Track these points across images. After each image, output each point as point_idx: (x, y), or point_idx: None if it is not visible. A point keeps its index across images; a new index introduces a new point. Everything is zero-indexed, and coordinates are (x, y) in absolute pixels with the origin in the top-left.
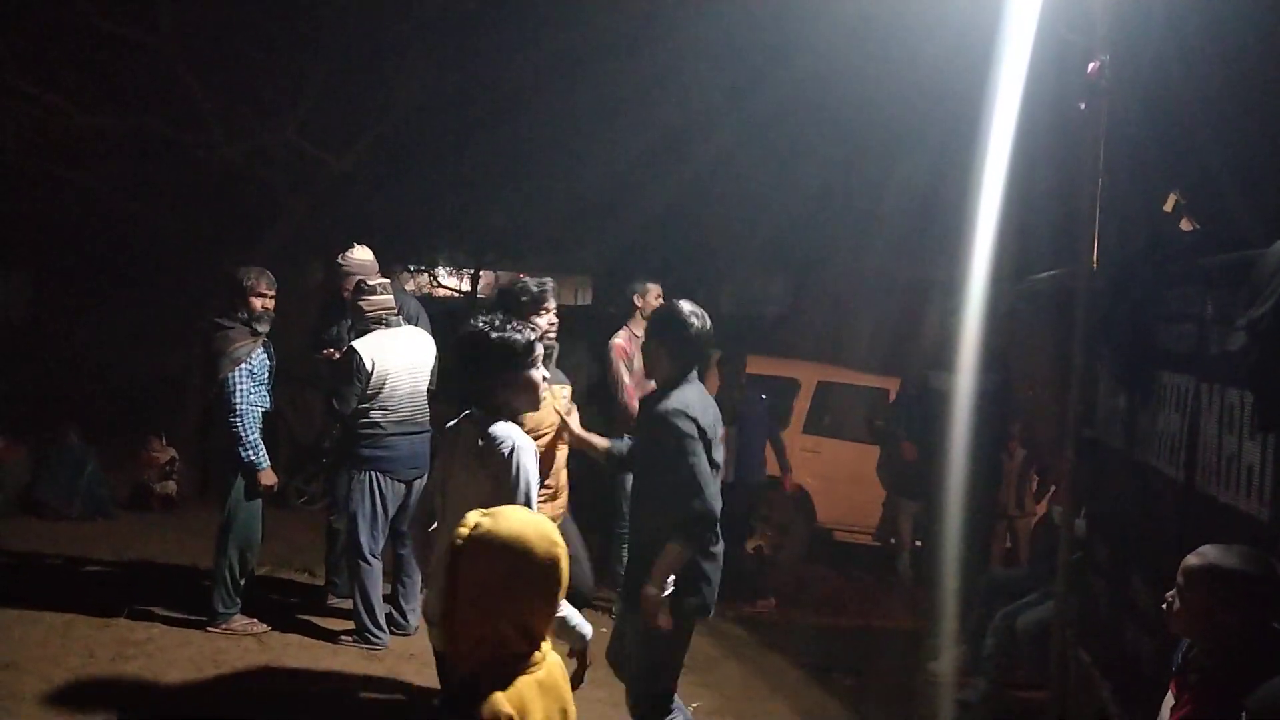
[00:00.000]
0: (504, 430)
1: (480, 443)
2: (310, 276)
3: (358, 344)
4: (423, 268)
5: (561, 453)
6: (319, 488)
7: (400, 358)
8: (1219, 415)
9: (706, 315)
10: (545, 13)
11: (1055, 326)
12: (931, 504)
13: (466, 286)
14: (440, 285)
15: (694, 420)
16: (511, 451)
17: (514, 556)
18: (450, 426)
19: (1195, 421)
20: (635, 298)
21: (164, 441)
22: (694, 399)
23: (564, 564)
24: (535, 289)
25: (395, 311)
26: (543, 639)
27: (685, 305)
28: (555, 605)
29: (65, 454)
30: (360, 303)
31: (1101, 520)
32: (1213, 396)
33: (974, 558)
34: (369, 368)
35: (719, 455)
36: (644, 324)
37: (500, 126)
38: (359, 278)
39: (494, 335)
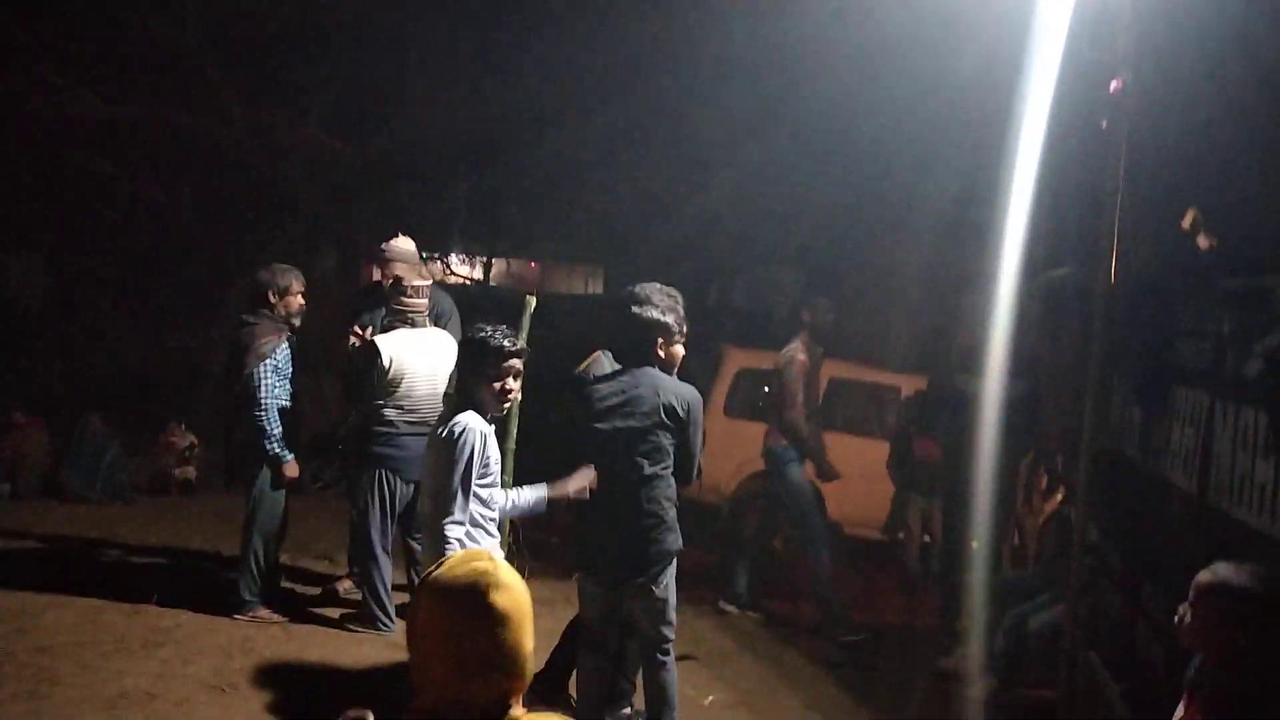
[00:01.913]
0: (462, 417)
1: (439, 431)
2: (325, 264)
3: (380, 340)
4: (436, 256)
5: None
6: (334, 473)
7: (421, 359)
8: (1234, 433)
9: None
10: (564, 20)
11: (1063, 325)
12: (948, 503)
13: (479, 275)
14: (453, 273)
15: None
16: (462, 433)
17: (451, 606)
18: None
19: (1209, 437)
20: (804, 312)
21: (183, 427)
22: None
23: (515, 619)
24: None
25: (424, 314)
26: (511, 700)
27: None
28: (516, 664)
29: (87, 438)
30: (394, 300)
31: (1114, 526)
32: (1228, 414)
33: (989, 559)
34: (387, 365)
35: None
36: (811, 339)
37: (514, 117)
38: (400, 275)
39: (476, 336)
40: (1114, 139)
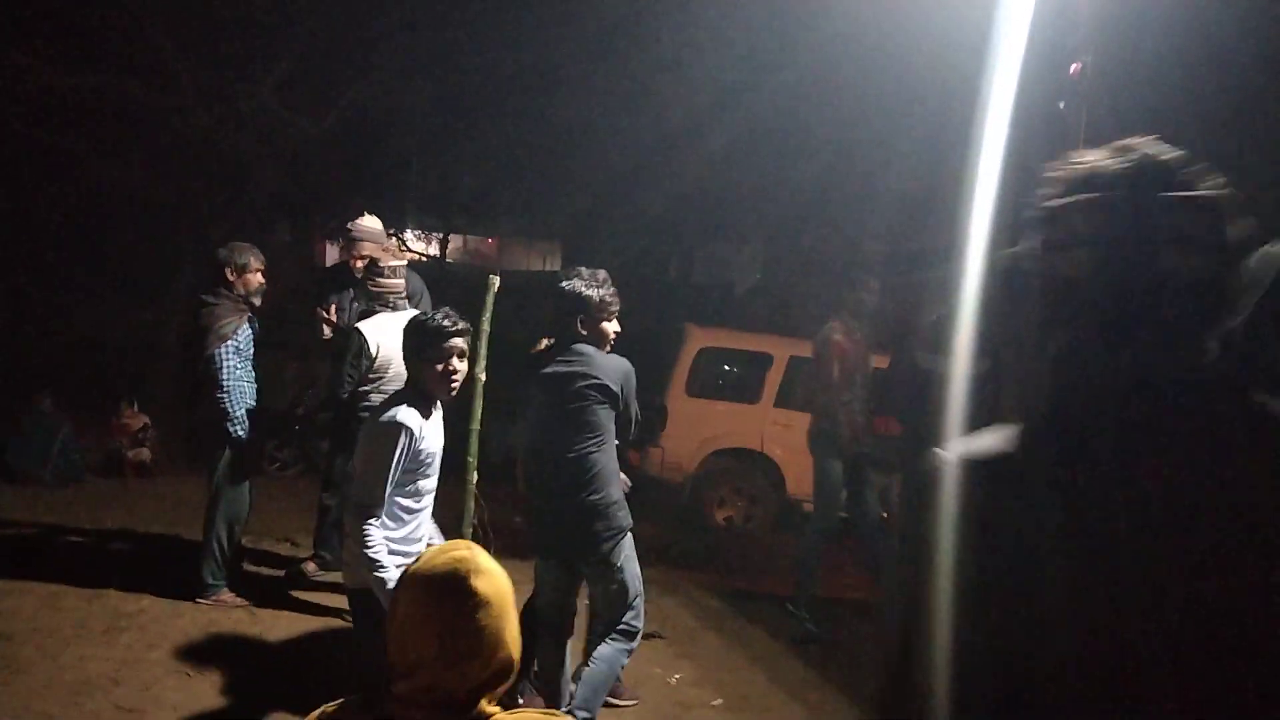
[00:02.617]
0: (397, 410)
1: (374, 417)
2: (279, 238)
3: (362, 326)
4: (392, 232)
5: None
6: (291, 454)
7: (397, 337)
8: None
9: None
10: None
11: (1018, 303)
12: (907, 481)
13: (435, 251)
14: (408, 250)
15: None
16: (390, 428)
17: (432, 594)
18: None
19: None
20: (845, 291)
21: (136, 408)
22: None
23: (496, 605)
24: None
25: (403, 295)
26: (491, 690)
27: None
28: (495, 650)
29: (38, 420)
30: (369, 283)
31: None
32: None
33: None
34: (373, 351)
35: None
36: (851, 320)
37: (471, 91)
38: (371, 255)
39: (415, 320)
40: (1073, 121)
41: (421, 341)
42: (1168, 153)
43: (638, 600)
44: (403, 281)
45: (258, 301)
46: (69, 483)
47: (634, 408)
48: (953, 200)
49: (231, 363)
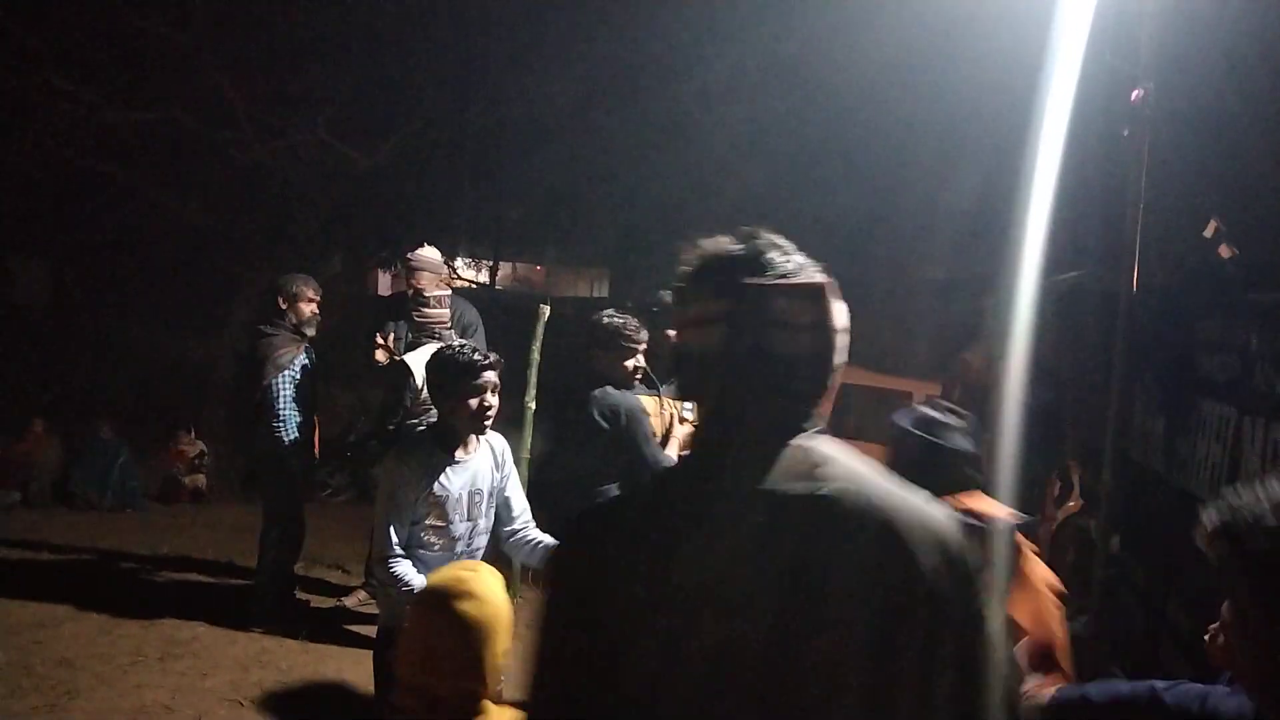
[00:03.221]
0: (397, 449)
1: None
2: (331, 268)
3: (409, 358)
4: (443, 260)
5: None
6: (343, 480)
7: None
8: (1262, 449)
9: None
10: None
11: (1078, 330)
12: None
13: (485, 278)
14: (459, 277)
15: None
16: (384, 463)
17: (424, 610)
18: None
19: (1237, 453)
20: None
21: (193, 435)
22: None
23: (484, 629)
24: (634, 332)
25: (448, 325)
26: (478, 698)
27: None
28: (482, 670)
29: (97, 446)
30: (414, 313)
31: (1137, 539)
32: (1255, 430)
33: None
34: (418, 383)
35: None
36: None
37: (521, 121)
38: (419, 287)
39: (442, 355)
40: (1135, 148)
41: (451, 377)
42: (778, 243)
43: None
44: (447, 311)
45: (311, 331)
46: (126, 508)
47: (639, 442)
48: (1007, 226)
49: (288, 392)
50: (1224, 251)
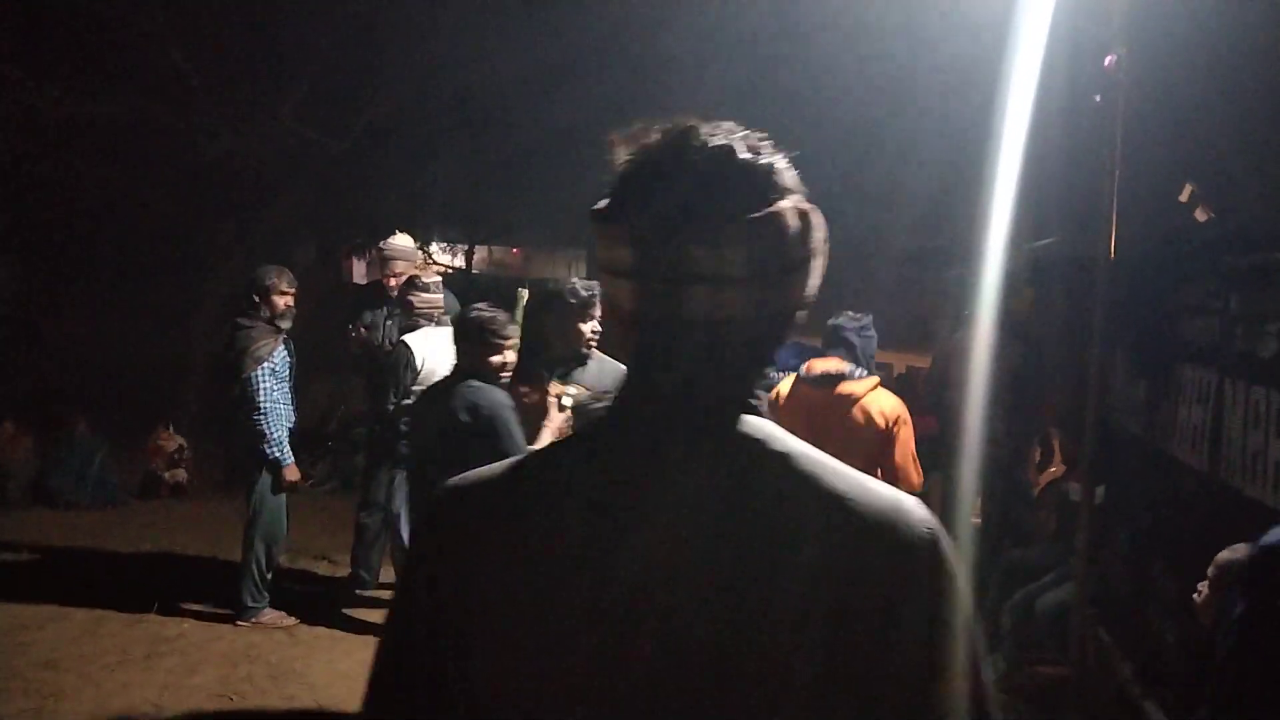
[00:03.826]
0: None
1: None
2: (305, 256)
3: (410, 339)
4: (419, 245)
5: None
6: (324, 470)
7: (448, 355)
8: (1244, 411)
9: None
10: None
11: (1056, 297)
12: (948, 479)
13: (461, 263)
14: (434, 262)
15: None
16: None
17: None
18: None
19: (1219, 415)
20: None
21: (171, 430)
22: None
23: None
24: (583, 292)
25: (444, 310)
26: None
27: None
28: None
29: (75, 443)
30: (411, 298)
31: (1119, 503)
32: (1237, 392)
33: (992, 536)
34: (419, 365)
35: None
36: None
37: (494, 100)
38: (408, 273)
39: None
40: (1110, 114)
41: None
42: (722, 143)
43: None
44: (441, 296)
45: (287, 324)
46: (106, 506)
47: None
48: (976, 195)
49: (268, 385)
50: (1200, 215)
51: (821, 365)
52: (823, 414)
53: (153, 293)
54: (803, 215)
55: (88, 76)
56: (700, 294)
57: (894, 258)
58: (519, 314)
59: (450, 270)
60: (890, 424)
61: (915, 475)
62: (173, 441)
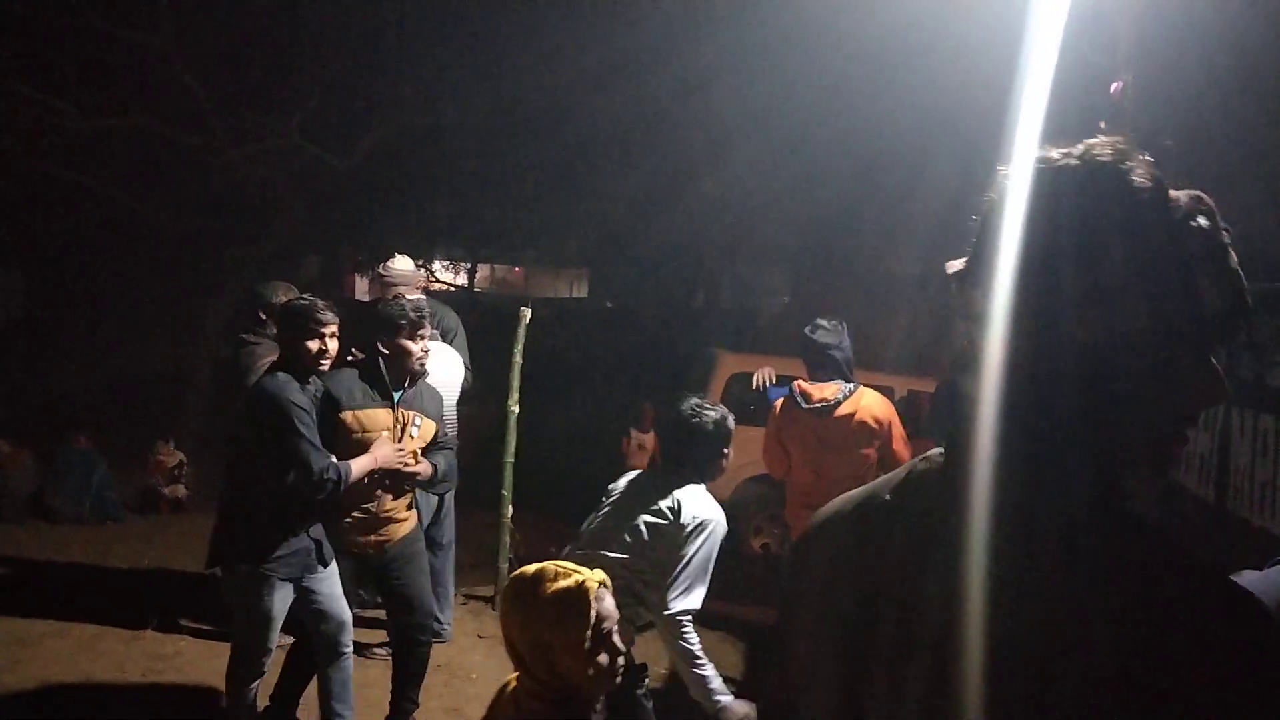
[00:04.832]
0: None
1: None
2: (308, 272)
3: None
4: (420, 263)
5: None
6: None
7: (434, 375)
8: (1252, 441)
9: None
10: (548, 20)
11: None
12: None
13: (463, 281)
14: (437, 280)
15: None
16: None
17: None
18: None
19: (1226, 444)
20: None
21: (171, 445)
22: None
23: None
24: (413, 314)
25: (450, 330)
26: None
27: None
28: (576, 648)
29: (74, 458)
30: None
31: None
32: (1245, 421)
33: None
34: None
35: None
36: None
37: (497, 121)
38: (400, 289)
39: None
40: None
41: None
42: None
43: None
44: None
45: None
46: (106, 520)
47: (285, 440)
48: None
49: None
50: None
51: (818, 393)
52: (824, 434)
53: (156, 307)
54: None
55: (99, 95)
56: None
57: (900, 282)
58: (521, 332)
59: (453, 288)
60: (885, 422)
61: (907, 452)
62: (173, 457)
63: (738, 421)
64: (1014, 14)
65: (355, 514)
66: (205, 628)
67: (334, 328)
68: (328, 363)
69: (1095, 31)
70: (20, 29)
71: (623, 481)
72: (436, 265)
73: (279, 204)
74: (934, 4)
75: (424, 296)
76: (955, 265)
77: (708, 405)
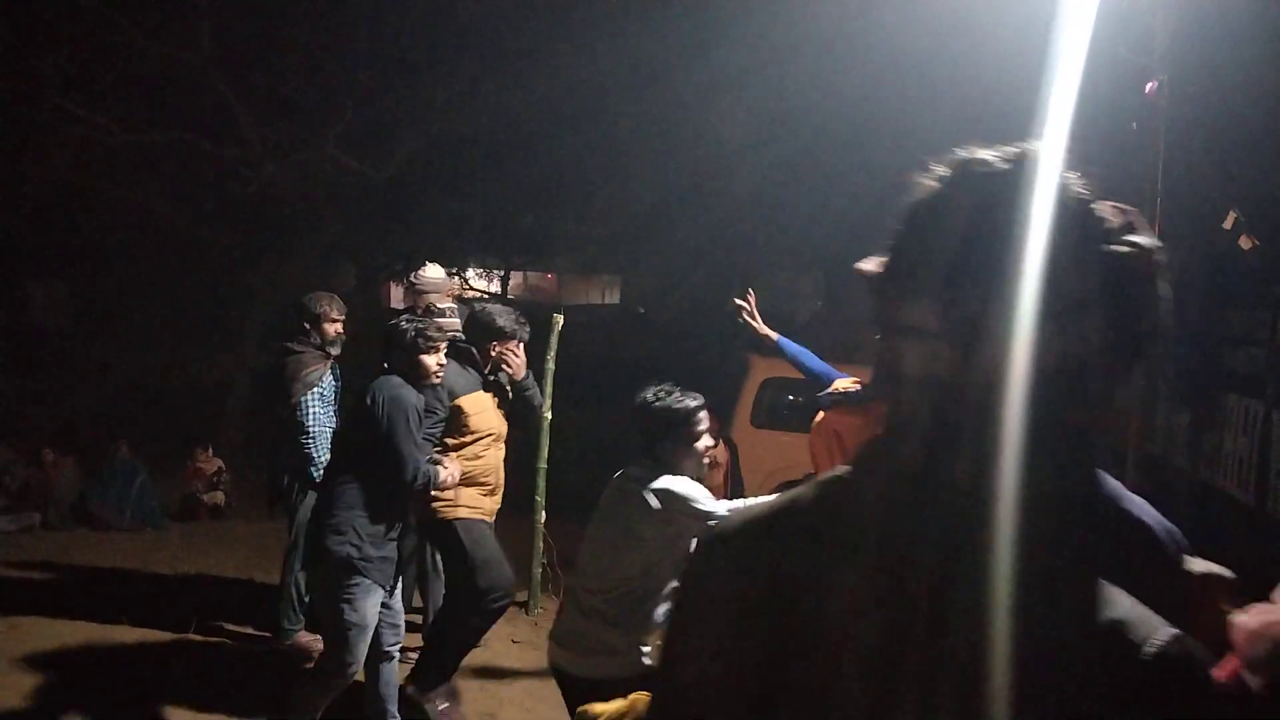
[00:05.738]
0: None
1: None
2: (345, 282)
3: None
4: (454, 270)
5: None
6: None
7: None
8: None
9: None
10: (577, 26)
11: None
12: None
13: (496, 288)
14: (470, 288)
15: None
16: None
17: None
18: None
19: (1266, 446)
20: None
21: (210, 452)
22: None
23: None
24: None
25: (460, 334)
26: None
27: None
28: None
29: (116, 466)
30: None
31: None
32: None
33: None
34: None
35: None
36: None
37: (528, 129)
38: (431, 297)
39: (656, 404)
40: (1151, 140)
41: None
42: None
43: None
44: (458, 321)
45: (335, 350)
46: (146, 527)
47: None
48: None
49: (316, 409)
50: (1244, 243)
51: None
52: (855, 434)
53: (195, 317)
54: None
55: (140, 110)
56: None
57: None
58: (553, 339)
59: (486, 295)
60: None
61: None
62: (212, 464)
63: (771, 427)
64: (1044, 16)
65: (483, 481)
66: (246, 631)
67: (445, 344)
68: (441, 376)
69: (1129, 30)
70: (63, 46)
71: (603, 497)
72: (470, 273)
73: (315, 215)
74: (966, 4)
75: (454, 305)
76: (868, 265)
77: (672, 390)
